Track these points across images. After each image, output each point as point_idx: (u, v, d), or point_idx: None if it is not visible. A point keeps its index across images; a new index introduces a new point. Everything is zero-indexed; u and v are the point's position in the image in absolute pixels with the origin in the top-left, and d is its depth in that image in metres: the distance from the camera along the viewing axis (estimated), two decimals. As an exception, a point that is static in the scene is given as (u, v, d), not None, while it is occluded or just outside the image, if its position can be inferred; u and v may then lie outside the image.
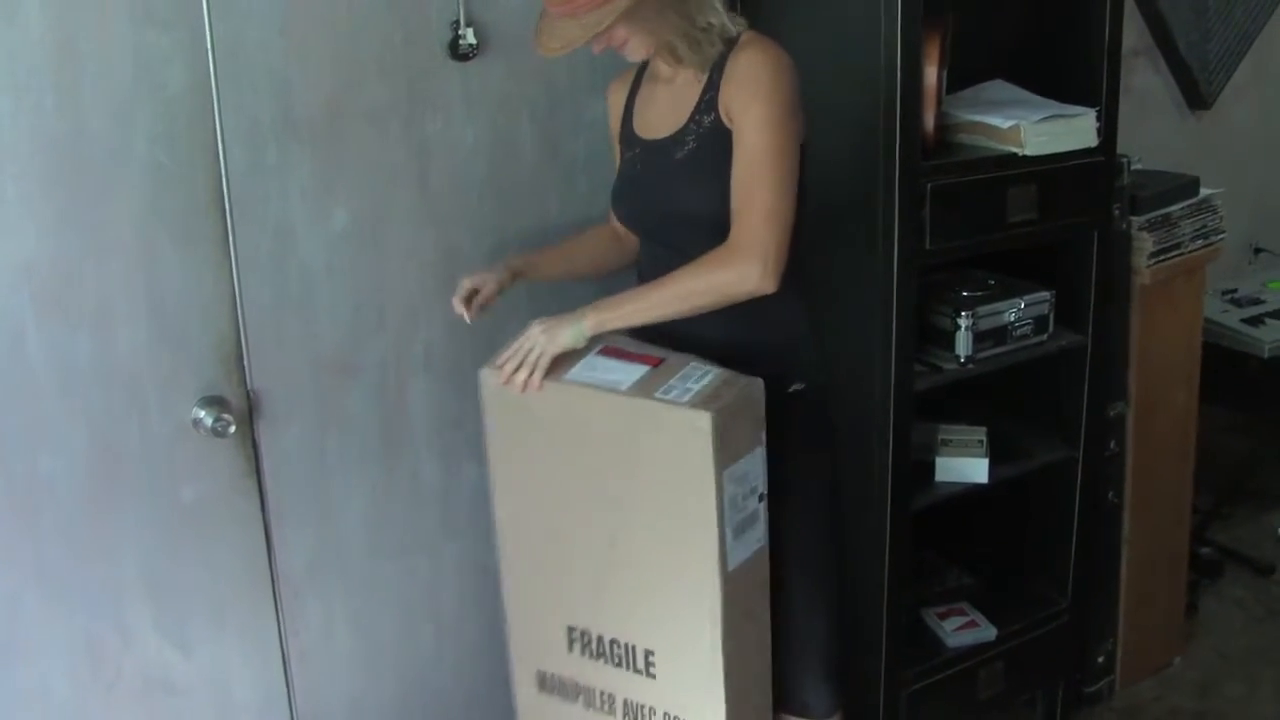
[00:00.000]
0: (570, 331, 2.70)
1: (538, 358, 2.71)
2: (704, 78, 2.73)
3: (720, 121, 2.69)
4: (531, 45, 2.69)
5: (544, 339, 2.71)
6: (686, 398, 2.58)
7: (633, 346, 2.78)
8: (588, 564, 2.82)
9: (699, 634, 2.72)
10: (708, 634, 2.70)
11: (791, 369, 2.81)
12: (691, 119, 2.74)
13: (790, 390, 2.80)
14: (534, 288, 3.10)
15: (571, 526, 2.82)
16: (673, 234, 2.80)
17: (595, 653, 2.86)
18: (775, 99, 2.63)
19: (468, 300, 2.88)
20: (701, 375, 2.64)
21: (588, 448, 2.75)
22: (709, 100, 2.71)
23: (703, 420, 2.55)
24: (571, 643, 2.88)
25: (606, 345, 2.77)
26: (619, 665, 2.84)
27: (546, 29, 2.67)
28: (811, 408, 2.86)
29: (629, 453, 2.70)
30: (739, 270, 2.60)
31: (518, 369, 2.70)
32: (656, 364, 2.70)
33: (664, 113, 2.82)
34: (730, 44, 2.72)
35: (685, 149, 2.74)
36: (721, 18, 2.71)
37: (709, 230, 2.66)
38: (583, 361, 2.75)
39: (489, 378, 2.77)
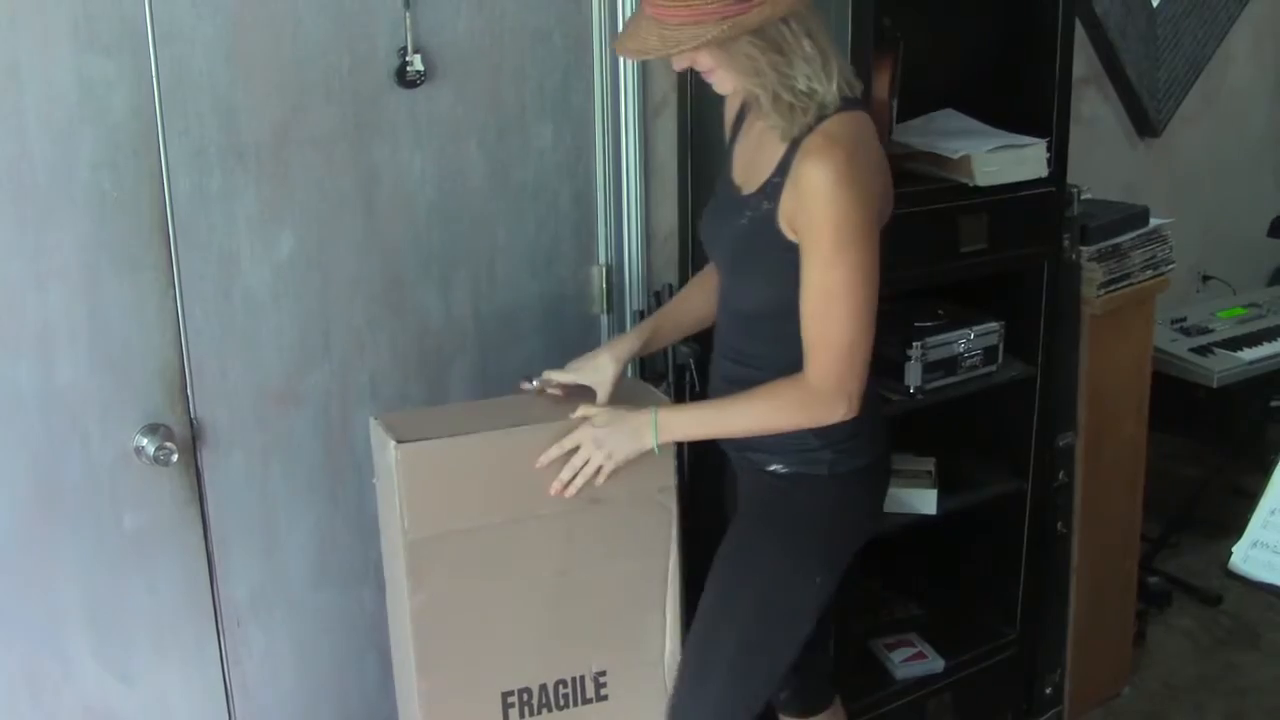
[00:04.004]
0: (632, 448, 2.68)
1: (595, 473, 2.70)
2: (782, 150, 2.48)
3: (776, 217, 2.48)
4: (612, 40, 2.56)
5: (601, 455, 2.69)
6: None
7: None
8: (530, 613, 2.83)
9: (655, 621, 2.86)
10: (668, 616, 2.88)
11: (778, 452, 2.69)
12: (761, 191, 2.53)
13: (768, 469, 2.71)
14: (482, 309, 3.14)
15: (510, 580, 2.81)
16: (732, 289, 2.72)
17: (537, 707, 2.86)
18: (844, 225, 2.37)
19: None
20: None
21: (538, 484, 2.75)
22: (774, 186, 2.48)
23: None
24: (508, 709, 2.86)
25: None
26: (565, 706, 2.86)
27: (632, 28, 2.47)
28: (779, 491, 2.73)
29: None
30: (823, 411, 2.50)
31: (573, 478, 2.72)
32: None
33: (747, 162, 2.62)
34: (822, 118, 2.44)
35: (744, 219, 2.57)
36: (827, 87, 2.42)
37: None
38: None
39: (406, 452, 2.68)
